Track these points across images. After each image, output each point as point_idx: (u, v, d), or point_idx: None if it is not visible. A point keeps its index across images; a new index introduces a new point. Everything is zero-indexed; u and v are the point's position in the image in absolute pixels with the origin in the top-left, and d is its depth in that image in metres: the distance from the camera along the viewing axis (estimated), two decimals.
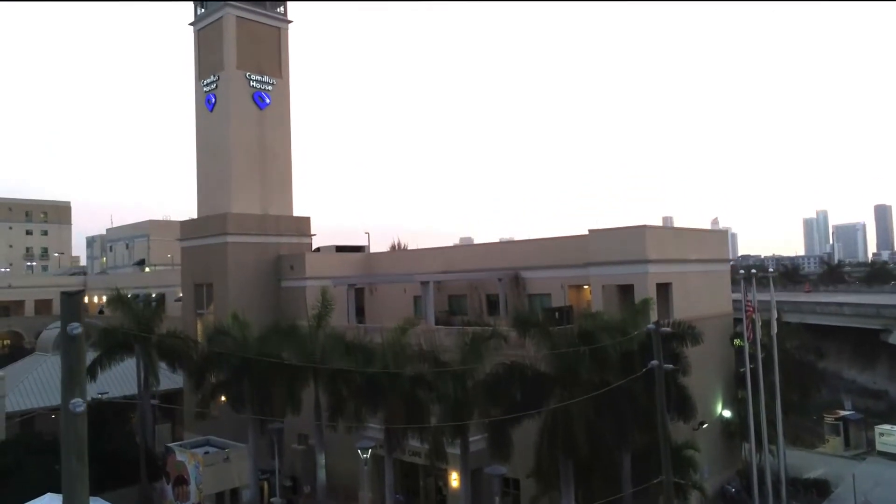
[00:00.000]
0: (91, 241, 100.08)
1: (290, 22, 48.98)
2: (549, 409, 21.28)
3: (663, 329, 29.29)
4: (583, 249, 35.48)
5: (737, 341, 37.22)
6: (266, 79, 47.12)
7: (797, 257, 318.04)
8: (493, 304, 41.28)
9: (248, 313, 43.74)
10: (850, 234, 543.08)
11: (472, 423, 25.24)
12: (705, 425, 32.88)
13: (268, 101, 47.13)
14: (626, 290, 32.61)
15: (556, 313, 35.17)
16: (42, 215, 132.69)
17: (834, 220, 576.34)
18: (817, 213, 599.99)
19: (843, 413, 43.05)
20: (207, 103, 47.23)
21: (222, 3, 46.05)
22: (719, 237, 39.28)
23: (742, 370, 35.30)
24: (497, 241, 48.32)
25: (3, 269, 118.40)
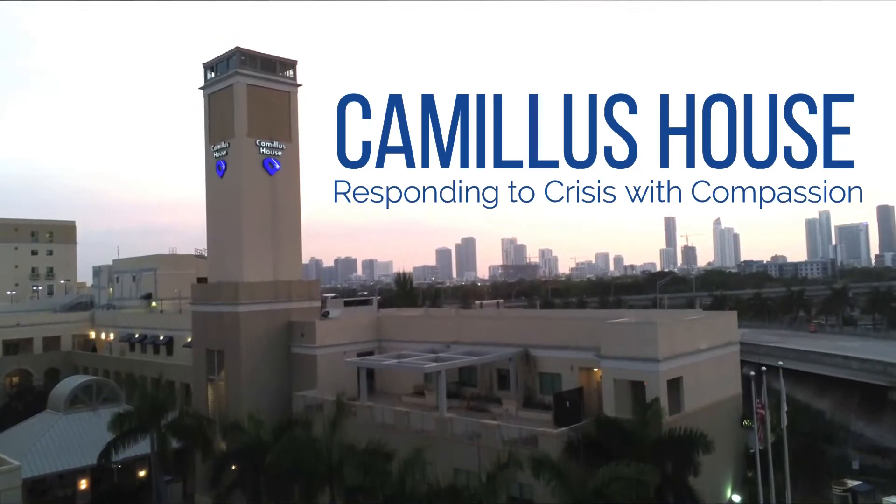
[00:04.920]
0: (98, 271, 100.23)
1: (300, 86, 49.19)
2: None
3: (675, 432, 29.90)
4: (593, 333, 35.90)
5: (746, 422, 37.64)
6: (276, 144, 47.34)
7: (800, 263, 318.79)
8: (503, 378, 41.60)
9: (259, 380, 44.59)
10: (852, 234, 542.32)
11: None
12: None
13: (278, 166, 47.37)
14: (637, 384, 32.98)
15: (567, 402, 35.65)
16: (48, 235, 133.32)
17: (836, 221, 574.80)
18: (819, 214, 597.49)
19: (851, 483, 43.26)
20: (218, 169, 47.47)
21: (233, 70, 46.28)
22: (728, 320, 39.59)
23: (752, 451, 35.94)
24: (508, 316, 48.59)
25: (9, 292, 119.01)
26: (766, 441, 32.23)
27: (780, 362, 34.36)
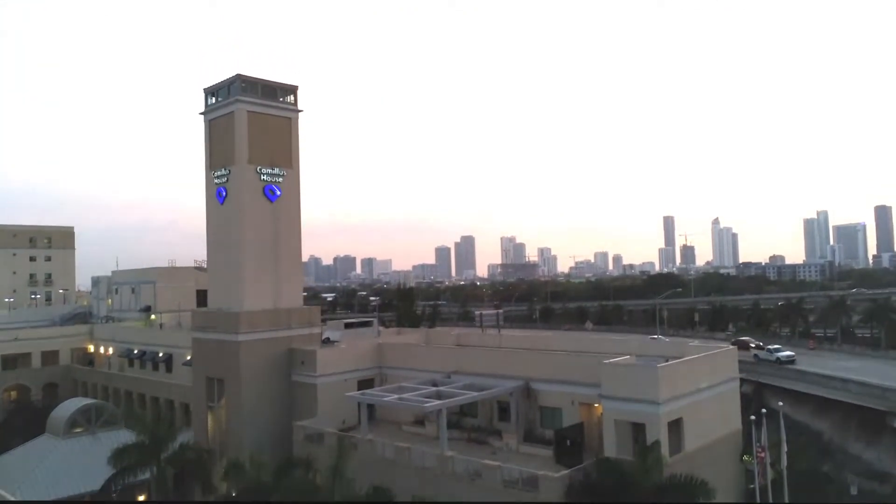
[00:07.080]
0: (97, 282, 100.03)
1: (300, 111, 49.02)
2: None
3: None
4: (593, 370, 35.85)
5: (745, 457, 37.73)
6: (277, 170, 47.21)
7: (798, 265, 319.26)
8: (503, 410, 41.56)
9: (260, 408, 44.56)
10: (850, 234, 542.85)
11: None
12: None
13: (278, 193, 47.25)
14: (638, 425, 32.95)
15: (568, 440, 35.63)
16: (46, 241, 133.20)
17: (834, 221, 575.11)
18: (818, 214, 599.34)
19: None
20: (218, 196, 47.34)
21: (234, 97, 46.10)
22: (728, 356, 39.52)
23: (752, 486, 36.18)
24: (509, 348, 48.39)
25: (7, 299, 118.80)
26: (766, 480, 32.47)
27: (780, 402, 34.37)
